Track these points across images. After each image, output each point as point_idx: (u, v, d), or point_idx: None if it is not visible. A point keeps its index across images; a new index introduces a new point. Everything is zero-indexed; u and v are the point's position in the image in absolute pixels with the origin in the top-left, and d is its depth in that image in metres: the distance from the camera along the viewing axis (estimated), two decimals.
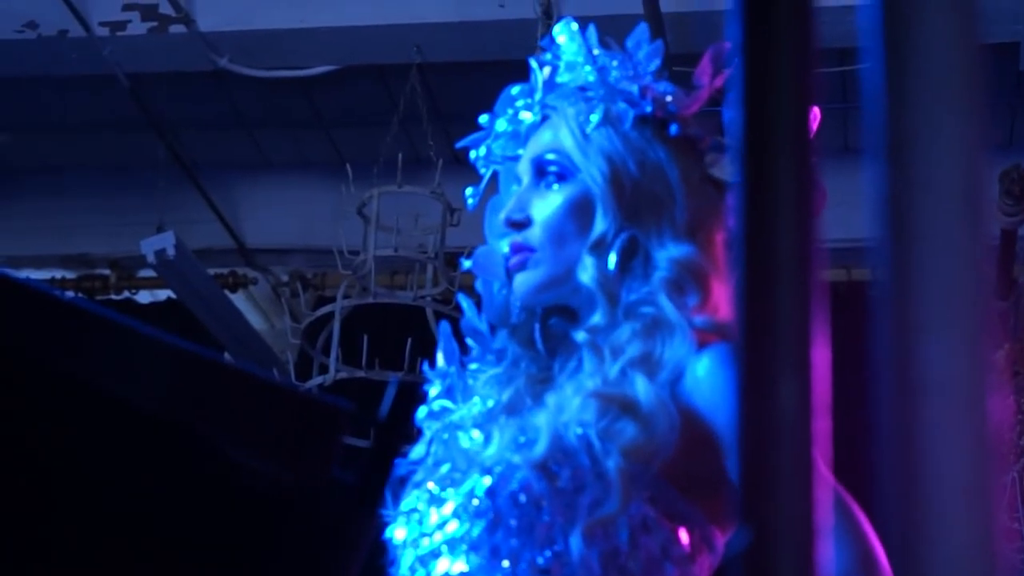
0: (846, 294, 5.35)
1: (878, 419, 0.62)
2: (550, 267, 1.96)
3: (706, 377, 1.83)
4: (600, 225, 1.94)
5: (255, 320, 6.42)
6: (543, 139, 2.02)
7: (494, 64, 5.17)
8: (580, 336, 1.92)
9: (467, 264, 2.07)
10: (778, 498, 0.61)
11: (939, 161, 0.64)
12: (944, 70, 0.65)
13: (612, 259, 1.92)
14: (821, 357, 0.64)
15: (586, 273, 1.93)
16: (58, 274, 6.60)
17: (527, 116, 2.05)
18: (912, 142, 0.64)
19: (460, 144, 2.12)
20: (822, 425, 0.64)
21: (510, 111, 2.07)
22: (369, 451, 1.00)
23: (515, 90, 2.08)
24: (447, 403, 2.01)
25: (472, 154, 2.10)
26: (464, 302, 2.06)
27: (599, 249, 1.94)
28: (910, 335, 0.62)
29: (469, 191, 2.10)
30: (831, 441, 1.68)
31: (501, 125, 2.07)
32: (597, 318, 1.92)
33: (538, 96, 2.05)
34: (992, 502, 0.61)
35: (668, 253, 1.91)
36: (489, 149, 2.09)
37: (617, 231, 1.94)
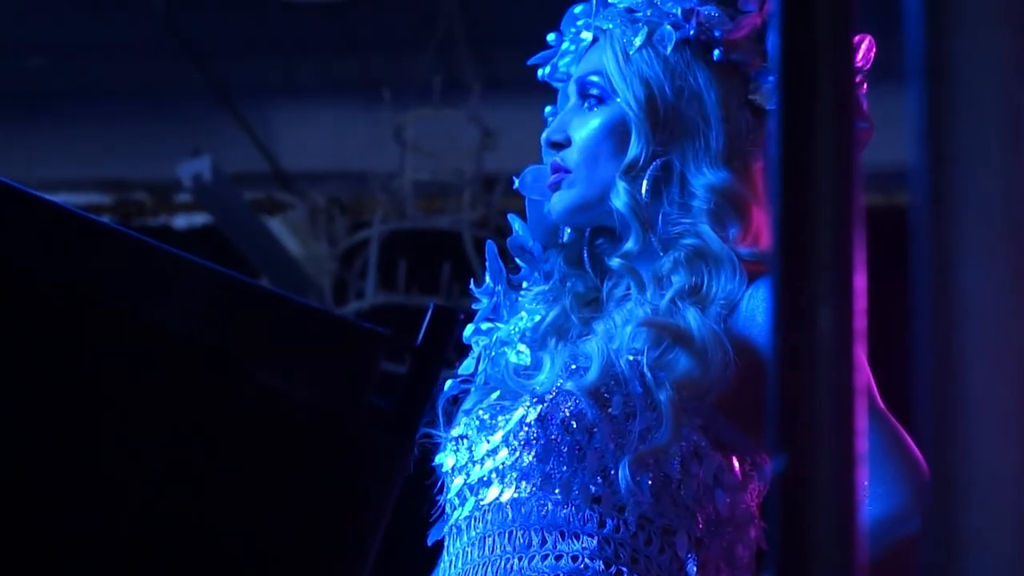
0: (884, 219, 5.32)
1: (917, 344, 0.61)
2: (584, 189, 1.97)
3: (761, 309, 1.83)
4: (633, 150, 1.94)
5: (292, 245, 6.42)
6: (591, 60, 2.03)
7: None
8: (615, 262, 1.93)
9: (516, 183, 2.07)
10: (817, 425, 0.60)
11: (979, 83, 0.63)
12: None
13: (644, 186, 1.93)
14: (860, 283, 0.63)
15: (619, 198, 1.93)
16: (94, 199, 6.61)
17: (587, 35, 2.06)
18: (952, 63, 0.63)
19: (531, 62, 2.12)
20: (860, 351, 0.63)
21: (572, 30, 2.08)
22: (406, 376, 1.00)
23: (578, 9, 2.08)
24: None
25: (539, 72, 2.11)
26: (515, 221, 2.06)
27: (632, 174, 1.94)
28: (948, 260, 0.61)
29: (548, 110, 2.11)
30: (869, 366, 1.66)
31: (566, 44, 2.08)
32: (631, 244, 1.92)
33: (593, 16, 2.05)
34: None
35: (704, 179, 1.91)
36: (555, 67, 2.10)
37: (650, 156, 1.93)
